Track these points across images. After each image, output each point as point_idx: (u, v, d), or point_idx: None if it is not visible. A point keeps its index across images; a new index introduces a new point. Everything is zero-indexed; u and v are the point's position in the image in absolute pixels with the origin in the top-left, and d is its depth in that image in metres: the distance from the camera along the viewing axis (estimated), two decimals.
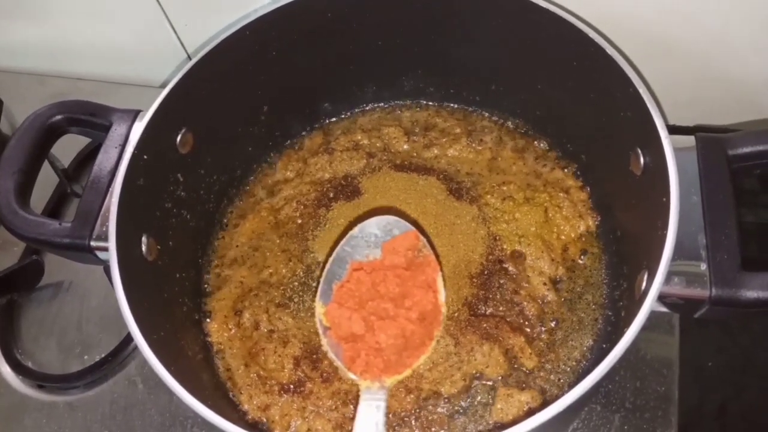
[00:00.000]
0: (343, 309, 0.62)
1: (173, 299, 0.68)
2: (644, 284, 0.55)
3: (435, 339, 0.62)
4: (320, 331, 0.63)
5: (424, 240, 0.67)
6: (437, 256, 0.67)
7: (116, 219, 0.58)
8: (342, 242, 0.66)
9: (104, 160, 0.64)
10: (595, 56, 0.62)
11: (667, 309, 0.57)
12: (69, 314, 0.82)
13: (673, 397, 0.69)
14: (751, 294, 0.52)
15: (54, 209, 0.89)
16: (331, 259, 0.65)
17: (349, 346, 0.61)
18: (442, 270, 0.65)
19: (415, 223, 0.70)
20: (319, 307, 0.63)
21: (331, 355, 0.61)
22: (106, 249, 0.59)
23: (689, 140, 0.59)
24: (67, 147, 0.89)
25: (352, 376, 0.60)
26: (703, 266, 0.54)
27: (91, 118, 0.67)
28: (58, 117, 0.66)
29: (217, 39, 0.68)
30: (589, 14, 0.68)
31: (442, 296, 0.63)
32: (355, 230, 0.67)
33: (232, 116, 0.75)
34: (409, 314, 0.61)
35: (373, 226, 0.67)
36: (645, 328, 0.61)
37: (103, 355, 0.77)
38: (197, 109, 0.70)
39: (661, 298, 0.54)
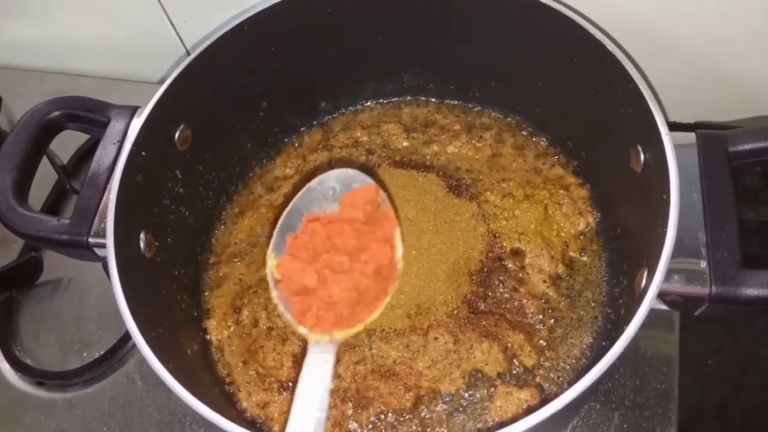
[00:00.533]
0: (296, 261, 0.60)
1: (172, 296, 0.68)
2: (644, 282, 0.55)
3: (390, 294, 0.59)
4: (271, 284, 0.60)
5: (384, 195, 0.63)
6: (396, 212, 0.64)
7: (114, 215, 0.58)
8: (299, 194, 0.63)
9: (102, 156, 0.64)
10: (596, 53, 0.62)
11: (667, 307, 0.57)
12: (68, 311, 0.82)
13: (673, 395, 0.69)
14: (752, 292, 0.52)
15: (53, 206, 0.89)
16: (286, 211, 0.62)
17: (300, 299, 0.59)
18: (400, 225, 0.62)
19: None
20: (271, 259, 0.60)
21: (280, 308, 0.59)
22: (104, 246, 0.59)
23: (690, 137, 0.59)
24: (67, 143, 0.89)
25: (301, 330, 0.58)
26: (703, 264, 0.53)
27: (89, 114, 0.66)
28: (56, 113, 0.66)
29: (215, 35, 0.68)
30: (590, 12, 0.68)
31: (399, 252, 0.60)
32: (314, 182, 0.63)
33: (231, 112, 0.75)
34: (365, 268, 0.59)
35: (332, 179, 0.63)
36: (645, 326, 0.60)
37: (102, 352, 0.77)
38: (196, 105, 0.69)
39: (661, 295, 0.53)
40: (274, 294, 0.60)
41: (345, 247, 0.61)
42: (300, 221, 0.62)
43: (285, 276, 0.60)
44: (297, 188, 0.78)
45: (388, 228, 0.62)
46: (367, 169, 0.70)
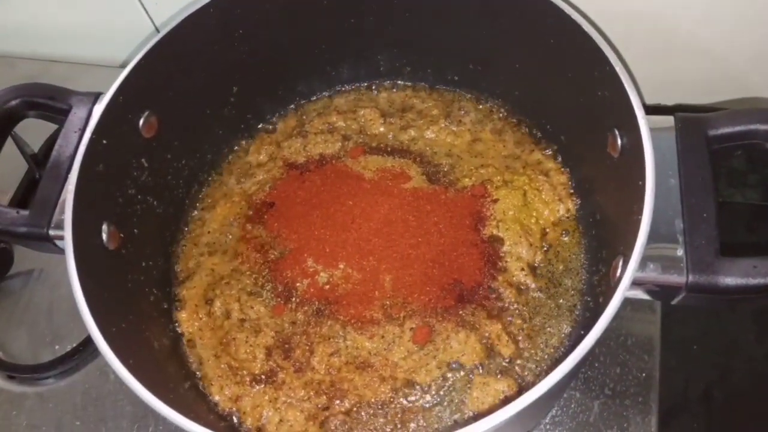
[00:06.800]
0: None
1: (139, 289, 0.66)
2: (619, 270, 0.53)
3: None
4: None
5: None
6: None
7: (72, 207, 0.57)
8: None
9: (63, 145, 0.62)
10: (572, 33, 0.60)
11: (649, 296, 0.56)
12: (39, 303, 0.81)
13: (653, 382, 0.68)
14: (730, 280, 0.50)
15: (24, 196, 0.87)
16: None
17: None
18: None
19: None
20: None
21: None
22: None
23: (668, 120, 0.57)
24: (38, 132, 0.86)
25: None
26: (680, 251, 0.52)
27: (49, 102, 0.64)
28: (16, 101, 0.64)
29: (180, 17, 0.66)
30: None
31: None
32: None
33: (200, 98, 0.73)
34: None
35: None
36: (626, 314, 0.59)
37: (74, 345, 0.76)
38: (161, 90, 0.67)
39: (637, 284, 0.52)
40: None
41: None
42: None
43: None
44: (270, 175, 0.77)
45: None
46: None
